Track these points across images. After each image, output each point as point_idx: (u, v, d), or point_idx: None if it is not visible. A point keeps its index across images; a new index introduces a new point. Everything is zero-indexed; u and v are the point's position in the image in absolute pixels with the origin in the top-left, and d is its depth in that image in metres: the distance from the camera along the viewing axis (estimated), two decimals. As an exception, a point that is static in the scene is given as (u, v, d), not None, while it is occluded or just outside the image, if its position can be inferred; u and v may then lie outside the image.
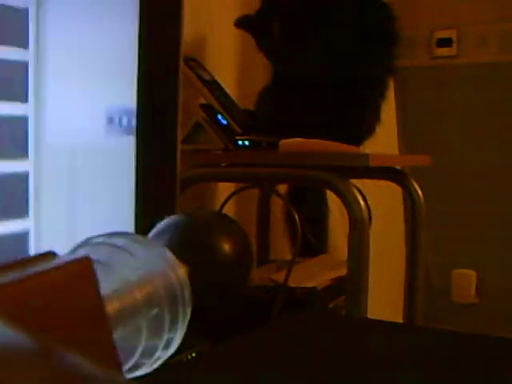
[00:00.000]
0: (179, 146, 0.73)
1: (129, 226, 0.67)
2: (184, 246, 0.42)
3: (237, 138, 1.20)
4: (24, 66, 0.56)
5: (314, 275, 1.20)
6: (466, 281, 2.45)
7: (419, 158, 1.49)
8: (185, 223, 0.44)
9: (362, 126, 1.32)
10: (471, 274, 2.44)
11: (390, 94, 1.46)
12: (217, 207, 1.27)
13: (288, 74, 1.30)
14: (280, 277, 1.07)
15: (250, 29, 1.33)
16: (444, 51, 2.46)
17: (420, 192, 1.37)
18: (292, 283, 1.04)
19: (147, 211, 0.68)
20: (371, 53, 1.27)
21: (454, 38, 2.43)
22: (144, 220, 0.67)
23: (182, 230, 0.43)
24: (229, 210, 1.26)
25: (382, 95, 1.32)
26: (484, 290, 2.43)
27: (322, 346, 0.61)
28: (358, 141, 1.28)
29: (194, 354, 0.66)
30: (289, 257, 1.31)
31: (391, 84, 1.38)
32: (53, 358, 0.22)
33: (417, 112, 2.47)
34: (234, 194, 1.10)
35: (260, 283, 1.13)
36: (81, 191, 0.63)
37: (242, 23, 1.33)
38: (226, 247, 0.42)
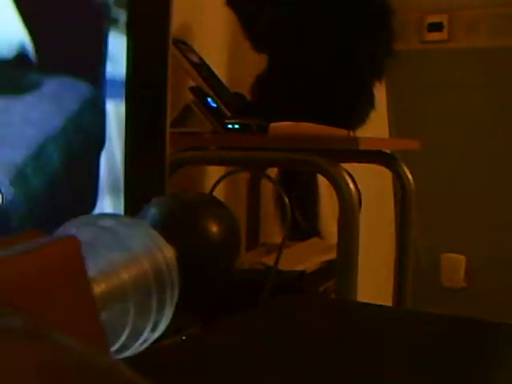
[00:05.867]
0: (168, 129, 0.73)
1: (118, 208, 0.67)
2: (172, 227, 0.42)
3: (226, 121, 1.20)
4: None
5: (304, 258, 1.20)
6: (455, 265, 2.47)
7: (408, 142, 1.50)
8: (173, 205, 0.43)
9: (352, 111, 1.31)
10: (460, 259, 2.46)
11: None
12: (206, 191, 1.26)
13: (277, 61, 1.30)
14: (270, 260, 1.07)
15: (238, 12, 1.33)
16: (435, 36, 2.45)
17: (410, 176, 1.38)
18: (282, 266, 1.04)
19: (136, 194, 0.68)
20: (363, 35, 1.27)
21: (445, 22, 2.43)
22: (133, 203, 0.67)
23: (170, 212, 0.43)
24: (219, 193, 1.25)
25: (376, 78, 1.32)
26: (473, 274, 2.45)
27: (311, 329, 0.61)
28: (348, 125, 1.28)
29: (183, 337, 0.66)
30: (279, 240, 1.31)
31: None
32: (41, 338, 0.22)
33: (407, 96, 2.47)
34: (223, 177, 1.10)
35: (250, 266, 1.13)
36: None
37: (233, 3, 1.33)
38: (214, 229, 0.42)
